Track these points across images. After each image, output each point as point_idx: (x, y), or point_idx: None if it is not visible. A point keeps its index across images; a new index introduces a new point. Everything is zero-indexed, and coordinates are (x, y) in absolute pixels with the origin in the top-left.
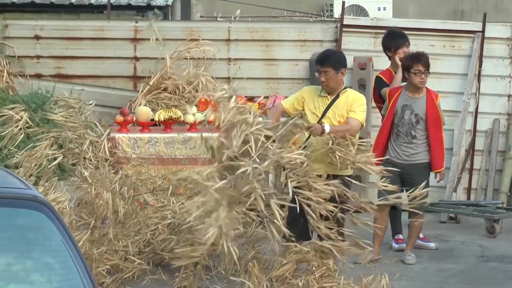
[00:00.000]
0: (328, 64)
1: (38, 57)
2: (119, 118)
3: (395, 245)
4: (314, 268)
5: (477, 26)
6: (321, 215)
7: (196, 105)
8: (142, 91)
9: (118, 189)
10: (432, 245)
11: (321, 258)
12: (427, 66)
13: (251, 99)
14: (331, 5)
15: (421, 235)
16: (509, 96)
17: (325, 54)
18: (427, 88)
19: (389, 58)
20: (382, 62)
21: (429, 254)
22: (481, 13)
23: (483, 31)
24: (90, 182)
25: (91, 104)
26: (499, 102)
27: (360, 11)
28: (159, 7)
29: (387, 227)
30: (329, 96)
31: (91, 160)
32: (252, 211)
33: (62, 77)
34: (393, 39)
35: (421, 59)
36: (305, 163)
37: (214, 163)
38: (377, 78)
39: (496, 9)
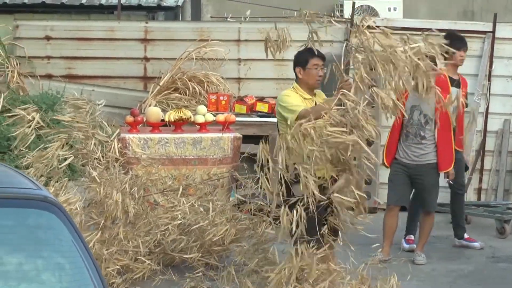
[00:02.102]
0: (325, 60)
1: (48, 57)
2: (129, 118)
3: (405, 245)
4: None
5: (487, 26)
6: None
7: (206, 106)
8: (152, 92)
9: (128, 189)
10: (477, 244)
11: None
12: (435, 65)
13: (261, 99)
14: (341, 5)
15: (465, 235)
16: None
17: (320, 51)
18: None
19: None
20: None
21: (439, 255)
22: (492, 13)
23: (493, 32)
24: (99, 182)
25: (100, 105)
26: (510, 102)
27: (370, 11)
28: (170, 8)
29: (396, 228)
30: (312, 98)
31: (100, 160)
32: (261, 211)
33: (73, 78)
34: (450, 42)
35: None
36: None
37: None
38: None
39: (506, 9)
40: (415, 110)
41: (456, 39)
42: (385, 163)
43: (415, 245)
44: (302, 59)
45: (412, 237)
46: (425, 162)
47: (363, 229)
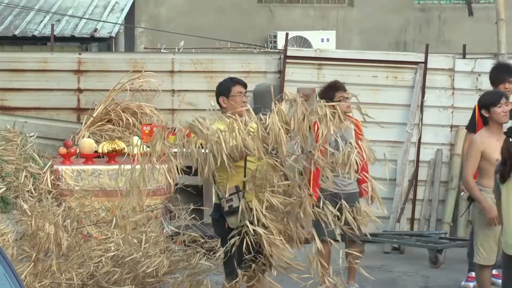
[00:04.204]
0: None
1: None
2: (63, 150)
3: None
4: None
5: (419, 57)
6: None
7: (140, 137)
8: (85, 123)
9: (61, 221)
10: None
11: None
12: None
13: None
14: (275, 36)
15: (494, 272)
16: (451, 126)
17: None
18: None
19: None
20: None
21: (372, 285)
22: (424, 44)
23: (425, 62)
24: (30, 214)
25: (32, 136)
26: (442, 132)
27: (303, 42)
28: (103, 39)
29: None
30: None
31: (32, 193)
32: (195, 242)
33: (6, 109)
34: (497, 72)
35: (339, 86)
36: None
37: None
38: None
39: (438, 40)
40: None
41: (502, 70)
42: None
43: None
44: (224, 88)
45: (472, 274)
46: (352, 191)
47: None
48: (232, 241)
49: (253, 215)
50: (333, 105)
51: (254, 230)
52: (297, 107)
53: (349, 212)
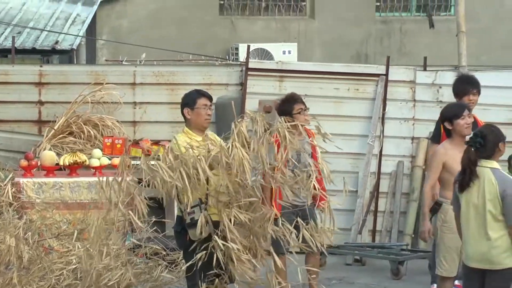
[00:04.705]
0: (212, 101)
1: None
2: (24, 162)
3: None
4: None
5: (381, 69)
6: None
7: (101, 149)
8: (47, 136)
9: (22, 234)
10: None
11: None
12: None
13: (156, 142)
14: (237, 48)
15: (456, 282)
16: (412, 138)
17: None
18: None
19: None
20: None
21: None
22: (385, 56)
23: (386, 74)
24: None
25: None
26: (403, 144)
27: (265, 54)
28: (64, 51)
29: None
30: (203, 139)
31: None
32: (156, 255)
33: None
34: (460, 84)
35: (297, 98)
36: None
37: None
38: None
39: (399, 52)
40: (301, 152)
41: (466, 82)
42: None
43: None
44: (189, 100)
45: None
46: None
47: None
48: (199, 255)
49: (220, 230)
50: (294, 124)
51: (223, 244)
52: (258, 126)
53: (306, 229)
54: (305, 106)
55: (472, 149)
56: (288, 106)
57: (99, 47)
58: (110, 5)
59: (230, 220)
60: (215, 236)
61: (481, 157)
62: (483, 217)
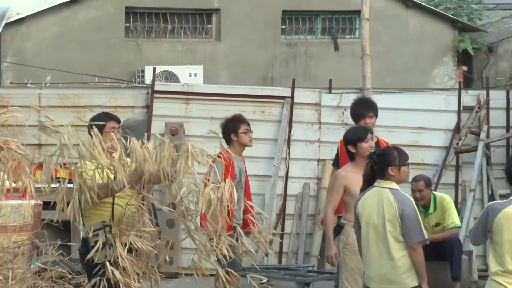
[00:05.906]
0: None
1: None
2: None
3: None
4: None
5: (286, 91)
6: None
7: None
8: None
9: None
10: None
11: None
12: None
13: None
14: (143, 71)
15: None
16: (318, 160)
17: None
18: None
19: None
20: (193, 128)
21: None
22: (290, 79)
23: (292, 97)
24: None
25: None
26: (309, 166)
27: (171, 77)
28: None
29: None
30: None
31: None
32: (62, 278)
33: None
34: (356, 107)
35: (243, 119)
36: None
37: (27, 230)
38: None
39: (305, 75)
40: (242, 173)
41: (362, 105)
42: None
43: None
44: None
45: None
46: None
47: None
48: (93, 281)
49: (114, 257)
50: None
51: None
52: (165, 150)
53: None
54: (250, 127)
55: (369, 165)
56: (236, 124)
57: (3, 69)
58: (15, 28)
59: (125, 246)
60: (107, 263)
61: (376, 177)
62: (384, 238)
